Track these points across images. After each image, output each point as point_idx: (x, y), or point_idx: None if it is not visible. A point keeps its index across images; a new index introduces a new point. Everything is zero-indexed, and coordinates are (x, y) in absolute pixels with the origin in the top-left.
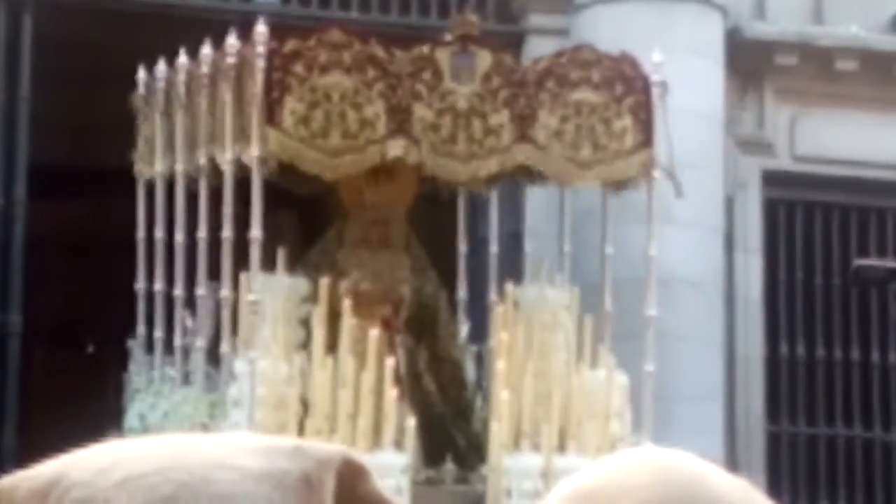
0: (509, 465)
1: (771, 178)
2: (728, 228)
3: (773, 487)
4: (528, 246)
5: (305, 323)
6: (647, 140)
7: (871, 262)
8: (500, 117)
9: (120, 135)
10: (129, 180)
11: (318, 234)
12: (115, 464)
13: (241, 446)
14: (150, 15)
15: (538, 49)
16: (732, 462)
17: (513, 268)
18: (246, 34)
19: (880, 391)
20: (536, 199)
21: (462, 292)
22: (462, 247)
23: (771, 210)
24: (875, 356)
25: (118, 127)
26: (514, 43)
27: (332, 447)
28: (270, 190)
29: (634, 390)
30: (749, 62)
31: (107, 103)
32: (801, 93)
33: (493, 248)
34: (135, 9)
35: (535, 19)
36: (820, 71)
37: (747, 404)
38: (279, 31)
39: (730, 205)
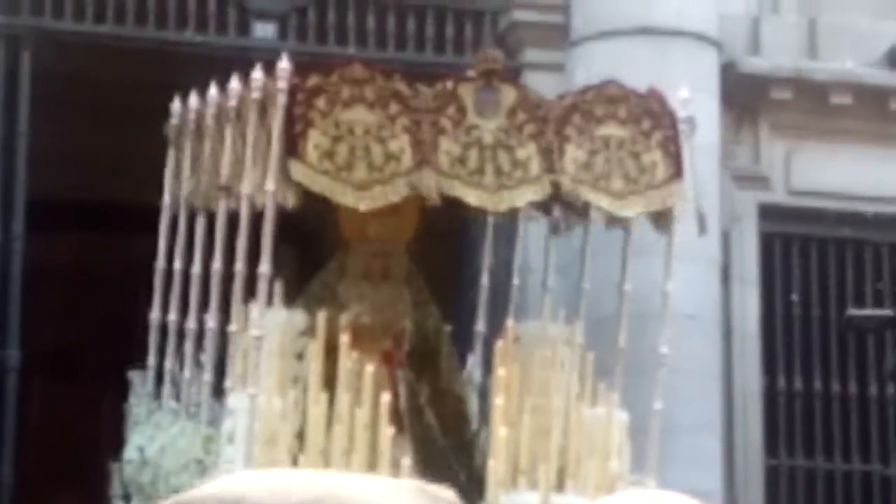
0: (506, 503)
1: (767, 212)
2: (725, 262)
3: None
4: (533, 281)
5: (301, 357)
6: (677, 172)
7: (865, 312)
8: (527, 150)
9: (119, 169)
10: (127, 214)
11: (317, 269)
12: (288, 485)
13: (393, 486)
14: (148, 50)
15: (534, 84)
16: (731, 496)
17: (506, 302)
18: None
19: (878, 425)
20: (535, 233)
21: (480, 325)
22: (484, 280)
23: (767, 243)
24: (873, 390)
25: (117, 161)
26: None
27: (448, 493)
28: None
29: (637, 426)
30: (744, 97)
31: (105, 138)
32: (797, 127)
33: (515, 280)
34: (133, 44)
35: (531, 54)
36: (815, 105)
37: (745, 438)
38: (295, 67)
39: (726, 238)
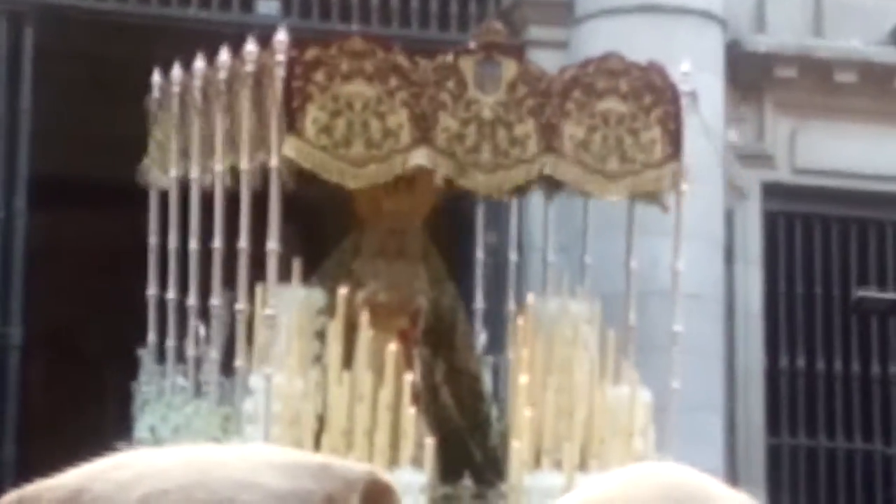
0: (530, 483)
1: (771, 191)
2: (728, 241)
3: (774, 500)
4: (533, 258)
5: (321, 336)
6: (675, 152)
7: (873, 293)
8: (526, 127)
9: (121, 146)
10: (130, 191)
11: (320, 246)
12: (137, 478)
13: (265, 462)
14: (151, 27)
15: (538, 62)
16: (732, 474)
17: (506, 279)
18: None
19: (881, 404)
20: (534, 210)
21: (479, 302)
22: (479, 254)
23: (771, 222)
24: (875, 369)
25: (119, 138)
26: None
27: (358, 466)
28: (265, 201)
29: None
30: (748, 75)
31: (107, 115)
32: (801, 105)
33: (513, 256)
34: (135, 21)
35: (535, 31)
36: (819, 83)
37: (747, 416)
38: (292, 41)
39: (730, 217)
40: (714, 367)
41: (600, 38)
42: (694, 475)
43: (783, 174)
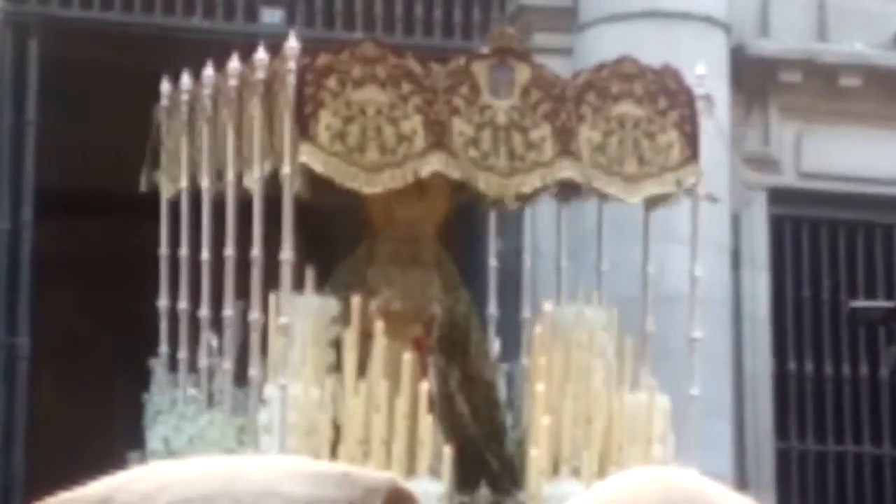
0: (548, 492)
1: (777, 195)
2: (734, 245)
3: None
4: (542, 265)
5: (335, 344)
6: (693, 155)
7: (867, 303)
8: (541, 131)
9: (126, 156)
10: (136, 202)
11: (325, 255)
12: (161, 488)
13: (287, 471)
14: (156, 37)
15: None
16: (742, 479)
17: (516, 286)
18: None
19: (889, 407)
20: (543, 216)
21: (493, 309)
22: (493, 262)
23: (777, 227)
24: (884, 372)
25: (125, 149)
26: None
27: (380, 475)
28: (275, 210)
29: None
30: (753, 79)
31: (113, 125)
32: (806, 109)
33: (528, 262)
34: (140, 31)
35: (540, 38)
36: (824, 88)
37: (756, 421)
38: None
39: (736, 222)
40: (722, 372)
41: (605, 44)
42: (695, 479)
43: (789, 179)
